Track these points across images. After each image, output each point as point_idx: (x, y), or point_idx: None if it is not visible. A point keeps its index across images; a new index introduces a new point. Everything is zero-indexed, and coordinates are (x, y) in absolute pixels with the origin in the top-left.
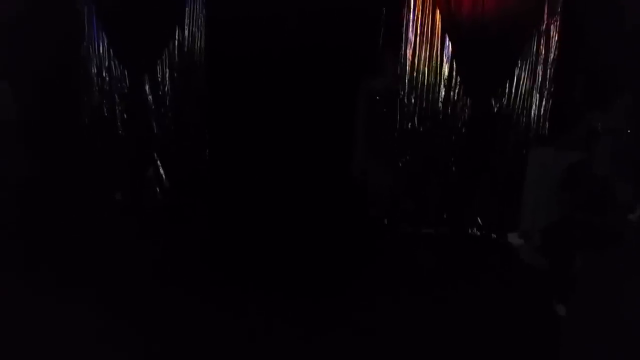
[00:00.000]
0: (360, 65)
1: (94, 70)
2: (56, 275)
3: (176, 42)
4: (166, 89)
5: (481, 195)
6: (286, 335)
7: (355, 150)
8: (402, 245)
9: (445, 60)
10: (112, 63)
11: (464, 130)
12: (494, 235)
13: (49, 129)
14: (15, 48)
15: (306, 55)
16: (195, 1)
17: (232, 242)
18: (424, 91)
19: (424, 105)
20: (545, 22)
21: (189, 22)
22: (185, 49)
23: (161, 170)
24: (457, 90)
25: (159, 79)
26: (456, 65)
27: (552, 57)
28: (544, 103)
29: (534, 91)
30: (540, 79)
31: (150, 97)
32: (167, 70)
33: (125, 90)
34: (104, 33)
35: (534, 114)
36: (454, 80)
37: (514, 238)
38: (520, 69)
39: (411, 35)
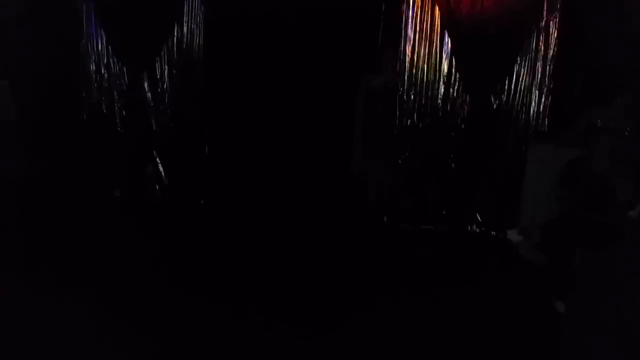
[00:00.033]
0: (360, 62)
1: (93, 67)
2: (55, 273)
3: (175, 39)
4: (165, 86)
5: (480, 192)
6: (286, 334)
7: (354, 148)
8: (402, 243)
9: (444, 57)
10: (111, 60)
11: (463, 127)
12: (493, 232)
13: (48, 126)
14: (14, 46)
15: (305, 52)
16: None
17: (231, 240)
18: (423, 88)
19: (424, 102)
20: (545, 18)
21: (188, 19)
22: (184, 46)
23: (160, 167)
24: (456, 87)
25: (158, 76)
26: (455, 62)
27: (551, 53)
28: (543, 100)
29: (534, 88)
30: (539, 76)
31: (149, 94)
32: (166, 67)
33: (124, 88)
34: (102, 30)
35: (533, 110)
36: (453, 77)
37: (513, 235)
38: (520, 65)
39: (410, 32)
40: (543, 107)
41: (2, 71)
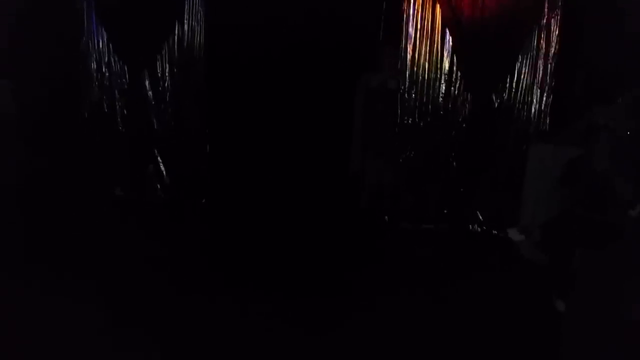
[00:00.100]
0: (361, 60)
1: (94, 65)
2: (56, 272)
3: (176, 37)
4: (166, 84)
5: (481, 191)
6: (286, 334)
7: (355, 147)
8: (403, 242)
9: (445, 55)
10: (112, 58)
11: (464, 126)
12: (494, 231)
13: (49, 125)
14: (15, 45)
15: (306, 51)
16: None
17: (232, 239)
18: (424, 86)
19: (425, 100)
20: (546, 16)
21: (189, 17)
22: (185, 44)
23: (161, 166)
24: (457, 85)
25: (159, 75)
26: (456, 60)
27: (552, 51)
28: (544, 98)
29: (535, 86)
30: (540, 74)
31: (150, 92)
32: (167, 65)
33: (125, 86)
34: (103, 28)
35: (535, 109)
36: (454, 75)
37: (514, 233)
38: (521, 63)
39: (411, 30)
40: (544, 105)
41: (3, 70)
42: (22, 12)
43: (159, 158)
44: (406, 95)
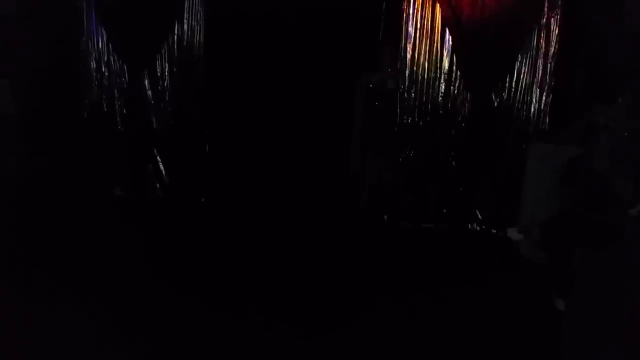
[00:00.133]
0: (361, 60)
1: (93, 65)
2: (55, 272)
3: (175, 36)
4: (165, 83)
5: (481, 190)
6: (286, 333)
7: (355, 146)
8: (402, 241)
9: (445, 54)
10: (111, 58)
11: (463, 125)
12: (493, 230)
13: (49, 124)
14: (14, 43)
15: (306, 50)
16: None
17: (232, 239)
18: (424, 85)
19: (424, 99)
20: (546, 15)
21: (188, 16)
22: (185, 44)
23: (161, 165)
24: (457, 85)
25: (158, 74)
26: (456, 59)
27: (552, 51)
28: (544, 97)
29: (534, 85)
30: (540, 73)
31: (149, 92)
32: (167, 64)
33: (125, 85)
34: (102, 28)
35: (534, 108)
36: (454, 75)
37: (513, 233)
38: (521, 63)
39: (411, 30)
40: (544, 105)
41: (2, 70)
42: (22, 12)
43: (158, 157)
44: (406, 94)
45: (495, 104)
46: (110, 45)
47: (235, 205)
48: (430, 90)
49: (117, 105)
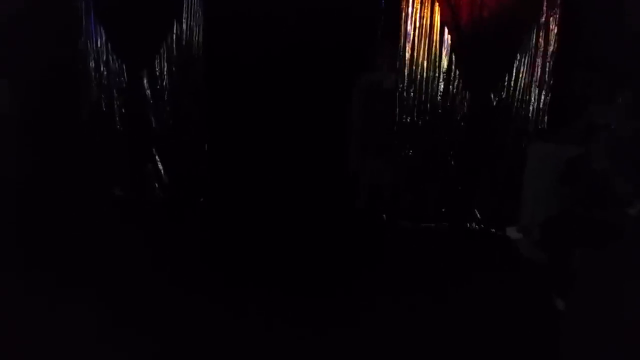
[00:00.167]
0: (360, 59)
1: (92, 65)
2: (54, 272)
3: (174, 36)
4: (164, 83)
5: (480, 190)
6: (286, 333)
7: (354, 146)
8: (401, 241)
9: (444, 53)
10: (110, 58)
11: (462, 124)
12: (493, 230)
13: (48, 124)
14: (12, 43)
15: (305, 49)
16: None
17: (231, 238)
18: (422, 85)
19: (423, 98)
20: (545, 14)
21: (187, 15)
22: (184, 43)
23: (160, 165)
24: (456, 84)
25: (157, 73)
26: (455, 58)
27: (551, 50)
28: (543, 96)
29: (533, 85)
30: (539, 73)
31: (148, 91)
32: (165, 64)
33: (124, 85)
34: (101, 27)
35: (533, 107)
36: (453, 74)
37: (512, 232)
38: (520, 62)
39: (410, 29)
40: (543, 104)
41: (1, 70)
42: (20, 12)
43: (157, 157)
44: (405, 93)
45: (495, 103)
46: (109, 45)
47: (235, 205)
48: (429, 90)
49: (116, 105)
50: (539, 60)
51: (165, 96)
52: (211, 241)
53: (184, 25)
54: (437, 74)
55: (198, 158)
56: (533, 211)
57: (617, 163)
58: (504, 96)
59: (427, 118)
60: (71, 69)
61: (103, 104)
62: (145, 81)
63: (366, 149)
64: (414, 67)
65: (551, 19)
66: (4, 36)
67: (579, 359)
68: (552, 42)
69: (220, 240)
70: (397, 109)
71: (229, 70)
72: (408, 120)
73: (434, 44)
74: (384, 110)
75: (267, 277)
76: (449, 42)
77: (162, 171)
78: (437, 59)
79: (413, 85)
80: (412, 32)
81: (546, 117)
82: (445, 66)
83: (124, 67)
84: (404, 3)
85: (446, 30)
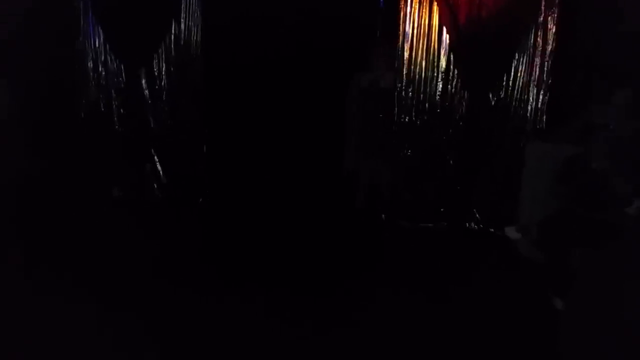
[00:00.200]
0: (358, 59)
1: (90, 65)
2: (53, 272)
3: (172, 35)
4: (163, 83)
5: (479, 189)
6: (284, 333)
7: (352, 146)
8: (400, 240)
9: (442, 53)
10: (108, 58)
11: (461, 124)
12: (491, 230)
13: (46, 125)
14: (10, 44)
15: (303, 50)
16: None
17: (230, 239)
18: (421, 84)
19: (421, 98)
20: (543, 14)
21: (185, 15)
22: (182, 43)
23: (158, 165)
24: (454, 84)
25: (156, 74)
26: (453, 58)
27: (549, 49)
28: (541, 96)
29: (532, 84)
30: (537, 72)
31: (146, 91)
32: (164, 64)
33: (122, 85)
34: (99, 27)
35: (532, 107)
36: (451, 74)
37: (511, 232)
38: (518, 61)
39: (408, 29)
40: (541, 103)
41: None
42: (18, 12)
43: (156, 157)
44: (403, 93)
45: (493, 103)
46: (107, 45)
47: (234, 205)
48: (428, 89)
49: (114, 105)
50: (537, 60)
51: (164, 96)
52: (210, 241)
53: (182, 25)
54: (435, 74)
55: (196, 158)
56: (532, 211)
57: (616, 162)
58: (502, 96)
59: (426, 118)
60: (69, 69)
61: (101, 104)
62: (143, 81)
63: (365, 148)
64: (412, 67)
65: (549, 18)
66: (1, 36)
67: (578, 358)
68: (550, 42)
69: (219, 241)
70: (396, 109)
71: (228, 70)
72: (407, 120)
73: (433, 43)
74: (383, 110)
75: (266, 277)
76: (448, 42)
77: (161, 171)
78: (436, 59)
79: (411, 85)
80: (410, 32)
81: (544, 117)
82: (444, 66)
83: (122, 67)
84: (402, 3)
85: (444, 30)
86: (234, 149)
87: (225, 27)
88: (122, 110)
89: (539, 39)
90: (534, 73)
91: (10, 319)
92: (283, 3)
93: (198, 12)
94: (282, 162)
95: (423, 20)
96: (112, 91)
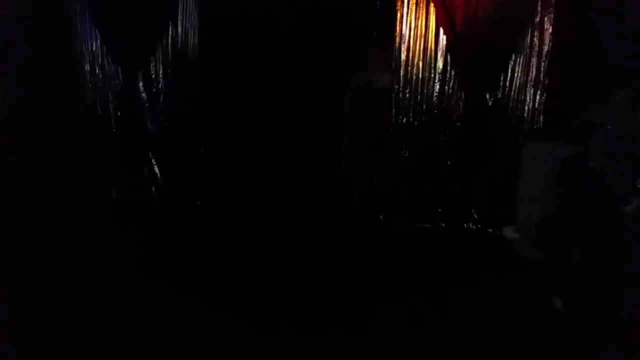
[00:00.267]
0: (355, 60)
1: (87, 67)
2: (51, 274)
3: (169, 38)
4: (160, 85)
5: (477, 189)
6: (282, 334)
7: (350, 147)
8: (398, 241)
9: (439, 54)
10: (105, 60)
11: (458, 125)
12: (489, 230)
13: (43, 127)
14: (7, 46)
15: (300, 51)
16: None
17: (228, 241)
18: (418, 85)
19: (419, 99)
20: (539, 14)
21: (182, 18)
22: (179, 45)
23: (156, 168)
24: (451, 84)
25: (153, 76)
26: (450, 59)
27: (546, 49)
28: (538, 96)
29: (529, 84)
30: (534, 72)
31: (144, 94)
32: (161, 67)
33: (119, 88)
34: (96, 30)
35: (529, 107)
36: (448, 74)
37: (509, 232)
38: (515, 62)
39: (405, 30)
40: (538, 103)
41: None
42: (14, 14)
43: (153, 160)
44: (400, 94)
45: (490, 104)
46: (104, 47)
47: (231, 208)
48: (425, 90)
49: (111, 108)
50: (534, 60)
51: (161, 99)
52: (208, 243)
53: (179, 28)
54: (432, 75)
55: (194, 160)
56: (530, 211)
57: (615, 162)
58: (499, 96)
59: (423, 119)
60: (66, 72)
61: (98, 107)
62: (140, 84)
63: (363, 149)
64: (409, 68)
65: (546, 18)
66: None
67: (577, 358)
68: (547, 42)
69: (217, 243)
70: (393, 110)
71: (225, 72)
72: (404, 121)
73: (429, 44)
74: (380, 110)
75: (264, 279)
76: (444, 42)
77: (159, 174)
78: (433, 60)
79: (409, 86)
80: (407, 33)
81: (542, 117)
82: (441, 67)
83: (120, 69)
84: (399, 4)
85: (441, 31)
86: (231, 151)
87: (222, 29)
88: (119, 113)
89: (535, 39)
90: (530, 73)
91: (8, 321)
92: (280, 5)
93: (195, 14)
94: (279, 163)
95: (420, 21)
96: (110, 94)
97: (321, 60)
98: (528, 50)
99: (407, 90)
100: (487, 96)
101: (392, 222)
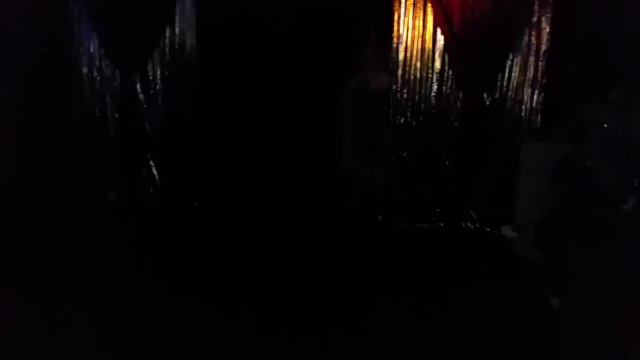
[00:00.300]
0: (353, 61)
1: (85, 70)
2: (49, 276)
3: (167, 40)
4: (157, 87)
5: (475, 189)
6: (282, 335)
7: (348, 147)
8: (396, 241)
9: (437, 54)
10: (103, 62)
11: (456, 124)
12: (487, 229)
13: (40, 129)
14: (4, 48)
15: (298, 52)
16: None
17: (226, 242)
18: (416, 86)
19: (417, 99)
20: (537, 14)
21: (180, 19)
22: (176, 47)
23: (154, 170)
24: (449, 84)
25: (151, 78)
26: (448, 59)
27: (543, 49)
28: (535, 96)
29: (526, 84)
30: (532, 72)
31: (141, 96)
32: (158, 68)
33: (117, 90)
34: (94, 32)
35: (526, 106)
36: (446, 74)
37: (508, 231)
38: (512, 62)
39: (403, 30)
40: (536, 103)
41: None
42: (12, 16)
43: (151, 162)
44: (398, 94)
45: (488, 103)
46: (101, 49)
47: (230, 209)
48: (423, 90)
49: (109, 110)
50: (531, 60)
51: (159, 100)
52: (206, 244)
53: (177, 29)
54: (430, 75)
55: (192, 162)
56: (528, 210)
57: (611, 161)
58: (497, 96)
59: (421, 119)
60: (64, 74)
61: (96, 109)
62: (138, 86)
63: (361, 149)
64: (407, 68)
65: (543, 18)
66: None
67: (575, 356)
68: (544, 42)
69: (215, 244)
70: (391, 110)
71: (223, 73)
72: (402, 121)
73: (427, 45)
74: (378, 111)
75: (262, 279)
76: (442, 43)
77: (157, 176)
78: (430, 60)
79: (406, 86)
80: (405, 34)
81: (539, 116)
82: (438, 67)
83: (117, 71)
84: (396, 4)
85: (439, 32)
86: (229, 152)
87: (219, 30)
88: (117, 115)
89: (533, 39)
90: (528, 73)
91: (7, 323)
92: (278, 6)
93: (192, 16)
94: (278, 164)
95: (417, 21)
96: (107, 96)
97: (319, 61)
98: (525, 50)
99: (405, 91)
100: (485, 96)
101: (391, 222)
